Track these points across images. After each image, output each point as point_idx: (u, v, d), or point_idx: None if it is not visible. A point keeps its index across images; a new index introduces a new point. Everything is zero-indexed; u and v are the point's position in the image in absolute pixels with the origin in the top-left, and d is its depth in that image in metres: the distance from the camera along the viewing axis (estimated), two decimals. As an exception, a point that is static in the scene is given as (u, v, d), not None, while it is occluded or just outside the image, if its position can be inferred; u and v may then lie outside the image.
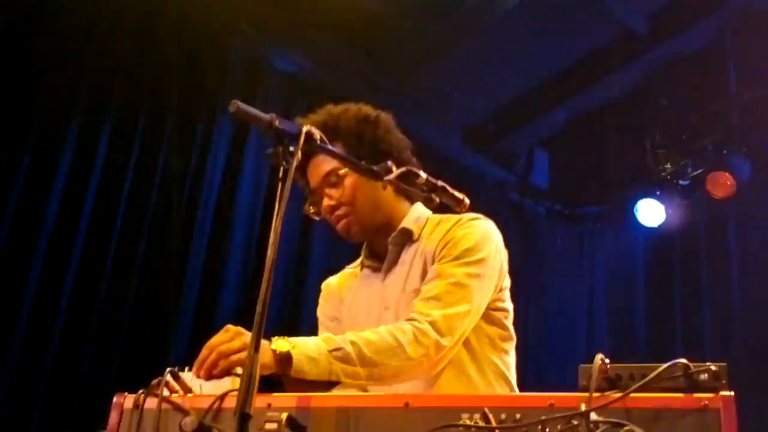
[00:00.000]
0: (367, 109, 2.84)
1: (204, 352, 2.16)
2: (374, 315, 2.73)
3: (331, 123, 2.70)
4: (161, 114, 6.23)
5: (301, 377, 2.20)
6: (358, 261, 2.94)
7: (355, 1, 6.39)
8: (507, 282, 2.77)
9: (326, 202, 2.73)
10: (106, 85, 6.00)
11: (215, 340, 2.18)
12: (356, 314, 2.81)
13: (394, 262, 2.78)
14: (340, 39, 6.83)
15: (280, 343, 2.20)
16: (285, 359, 2.17)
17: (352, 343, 2.32)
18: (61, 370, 5.42)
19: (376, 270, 2.82)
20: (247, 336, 2.16)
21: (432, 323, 2.45)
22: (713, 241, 7.85)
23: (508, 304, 2.78)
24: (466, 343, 2.62)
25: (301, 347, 2.22)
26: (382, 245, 2.80)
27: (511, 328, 2.77)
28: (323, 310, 2.95)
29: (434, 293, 2.54)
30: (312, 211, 2.79)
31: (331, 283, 2.99)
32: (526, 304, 8.17)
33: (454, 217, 2.70)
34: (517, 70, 7.30)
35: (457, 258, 2.60)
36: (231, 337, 2.18)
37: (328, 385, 2.27)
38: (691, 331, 7.65)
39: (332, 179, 2.71)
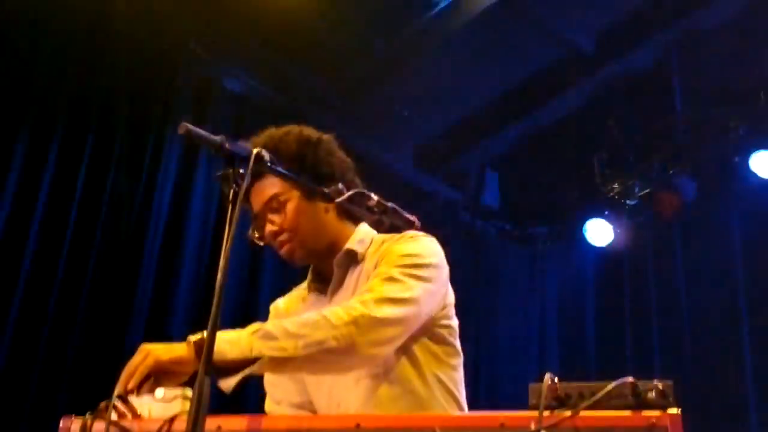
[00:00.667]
0: (308, 132, 2.80)
1: (120, 377, 2.16)
2: None
3: (272, 146, 2.63)
4: (110, 134, 6.17)
5: (223, 359, 2.13)
6: (306, 283, 2.92)
7: (306, 21, 6.40)
8: (451, 298, 2.75)
9: (269, 227, 2.70)
10: (53, 105, 5.93)
11: (127, 364, 2.18)
12: None
13: (340, 284, 2.75)
14: (290, 59, 6.84)
15: (196, 335, 2.17)
16: (202, 346, 2.06)
17: (274, 323, 2.29)
18: (8, 392, 5.33)
19: (322, 293, 2.80)
20: (150, 346, 2.18)
21: (361, 300, 2.41)
22: (661, 259, 7.94)
23: (454, 321, 2.75)
24: (412, 359, 2.61)
25: (219, 334, 2.14)
26: (327, 267, 2.77)
27: (458, 344, 2.75)
28: None
29: (370, 284, 2.52)
30: (256, 236, 2.75)
31: (279, 305, 2.94)
32: (477, 323, 8.20)
33: (397, 235, 2.70)
34: (466, 90, 7.34)
35: (399, 259, 2.59)
36: (137, 354, 2.17)
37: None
38: (641, 348, 7.72)
39: (274, 204, 2.68)
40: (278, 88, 6.83)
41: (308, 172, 2.67)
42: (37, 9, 5.85)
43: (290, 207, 2.66)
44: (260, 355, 2.19)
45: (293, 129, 2.79)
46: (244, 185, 2.00)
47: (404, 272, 2.53)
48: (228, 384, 2.16)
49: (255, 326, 2.27)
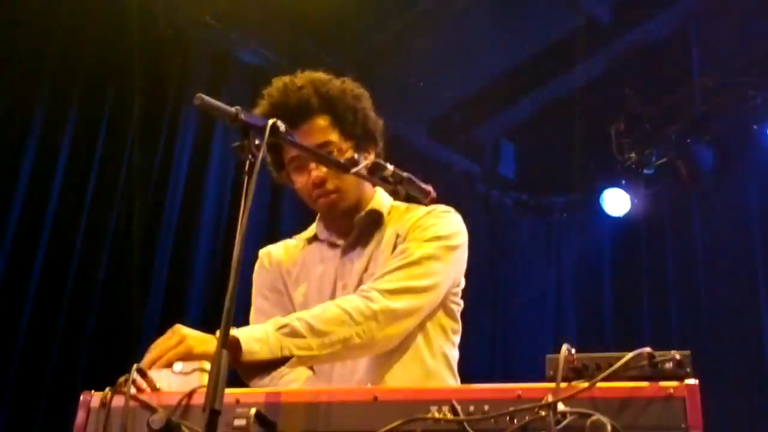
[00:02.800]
0: (350, 83, 2.80)
1: (147, 354, 2.15)
2: (327, 290, 2.71)
3: (325, 91, 2.68)
4: (126, 108, 6.18)
5: (253, 359, 2.17)
6: (304, 234, 2.91)
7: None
8: (463, 281, 2.77)
9: (315, 173, 2.65)
10: (68, 81, 5.95)
11: (157, 342, 2.17)
12: (306, 287, 2.77)
13: (357, 242, 2.76)
14: (303, 31, 6.81)
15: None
16: (233, 345, 2.12)
17: (298, 318, 2.30)
18: (27, 370, 5.37)
19: (333, 246, 2.80)
20: (184, 331, 2.16)
21: (381, 291, 2.43)
22: (678, 229, 7.91)
23: (461, 301, 2.78)
24: (423, 329, 2.63)
25: (246, 331, 2.20)
26: (345, 222, 2.77)
27: (460, 322, 2.78)
28: (262, 279, 2.87)
29: (392, 267, 2.53)
30: (291, 177, 2.75)
31: (272, 252, 2.92)
32: (494, 295, 8.21)
33: (426, 207, 2.69)
34: (482, 61, 7.31)
35: (427, 240, 2.60)
36: (170, 336, 2.16)
37: (279, 365, 2.23)
38: (658, 318, 7.71)
39: (326, 150, 2.62)
40: (293, 60, 6.80)
41: (360, 125, 2.71)
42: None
43: (345, 159, 2.57)
44: (290, 354, 2.22)
45: (345, 80, 2.79)
46: (260, 156, 1.99)
47: (431, 254, 2.55)
48: (260, 384, 2.19)
49: (279, 321, 2.28)
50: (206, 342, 2.14)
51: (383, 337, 2.42)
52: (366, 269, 2.69)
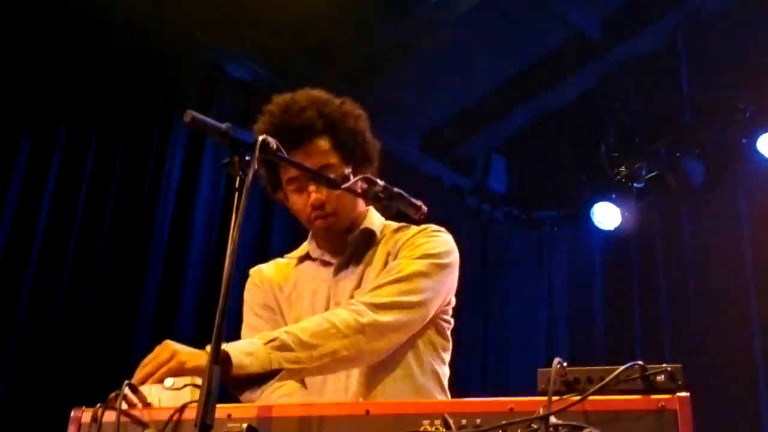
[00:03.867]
0: (350, 104, 2.80)
1: (138, 369, 2.15)
2: (320, 309, 2.70)
3: (328, 112, 2.69)
4: (116, 124, 6.18)
5: (243, 373, 2.17)
6: (295, 253, 2.91)
7: (309, 8, 6.37)
8: (453, 300, 2.78)
9: (315, 196, 2.66)
10: (59, 95, 5.94)
11: (148, 357, 2.17)
12: (300, 306, 2.77)
13: (349, 260, 2.77)
14: (294, 45, 6.82)
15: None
16: (224, 359, 2.12)
17: (287, 332, 2.31)
18: (18, 386, 5.35)
19: (325, 264, 2.81)
20: (175, 346, 2.17)
21: (368, 304, 2.44)
22: (669, 242, 7.92)
23: (451, 319, 2.79)
24: (413, 346, 2.64)
25: (235, 346, 2.21)
26: (338, 241, 2.78)
27: (450, 340, 2.79)
28: (254, 297, 2.86)
29: (382, 282, 2.55)
30: (288, 197, 2.76)
31: (263, 270, 2.92)
32: (485, 309, 8.22)
33: (418, 226, 2.72)
34: (472, 76, 7.32)
35: (417, 257, 2.61)
36: (160, 352, 2.16)
37: (269, 378, 2.24)
38: (650, 332, 7.71)
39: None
40: (283, 75, 6.82)
41: (359, 148, 2.72)
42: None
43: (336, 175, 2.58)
44: (279, 367, 2.23)
45: (336, 98, 2.78)
46: (250, 173, 2.00)
47: (421, 271, 2.57)
48: (251, 398, 2.20)
49: (268, 335, 2.29)
50: (197, 357, 2.15)
51: (370, 350, 2.44)
52: (358, 287, 2.69)
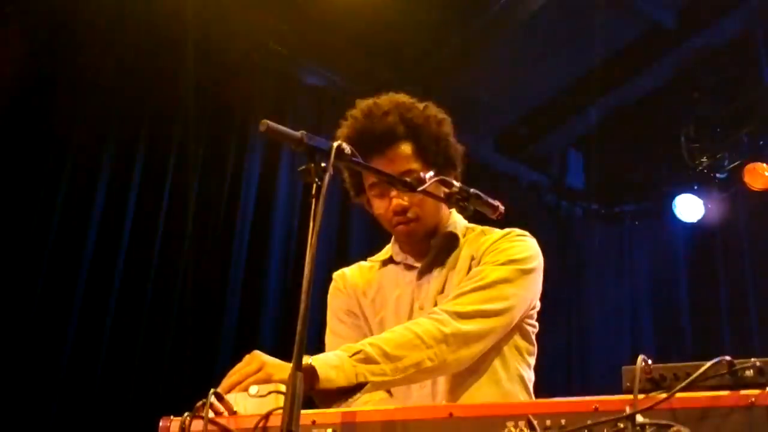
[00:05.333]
0: (433, 109, 2.79)
1: (225, 379, 2.17)
2: (404, 313, 2.70)
3: (409, 118, 2.69)
4: (193, 137, 6.27)
5: (329, 386, 2.16)
6: (378, 256, 2.91)
7: (379, 14, 6.40)
8: (538, 304, 2.75)
9: (397, 201, 2.67)
10: (137, 113, 6.06)
11: (236, 367, 2.19)
12: (383, 310, 2.77)
13: (433, 264, 2.76)
14: (366, 51, 6.86)
15: (305, 359, 2.19)
16: (309, 372, 2.12)
17: (371, 344, 2.30)
18: (106, 395, 5.47)
19: (409, 268, 2.81)
20: (264, 358, 2.17)
21: (451, 313, 2.42)
22: (755, 233, 7.76)
23: (536, 323, 2.76)
24: (499, 351, 2.62)
25: (321, 359, 2.20)
26: (421, 244, 2.77)
27: (536, 344, 2.76)
28: (338, 302, 2.87)
29: (465, 289, 2.52)
30: (371, 202, 2.77)
31: (347, 274, 2.92)
32: (567, 307, 8.13)
33: (501, 231, 2.71)
34: (546, 72, 7.28)
35: (501, 263, 2.59)
36: (249, 362, 2.18)
37: (354, 391, 2.23)
38: (739, 326, 7.56)
39: (408, 179, 2.50)
40: (356, 81, 6.85)
41: (442, 153, 2.71)
42: (111, 19, 5.97)
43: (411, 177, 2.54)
44: (365, 381, 2.22)
45: (419, 103, 2.78)
46: (326, 179, 2.00)
47: (505, 278, 2.55)
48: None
49: (352, 348, 2.28)
50: (285, 369, 2.13)
51: (454, 360, 2.42)
52: (442, 291, 2.68)
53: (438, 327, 2.38)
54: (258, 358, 2.18)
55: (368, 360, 2.26)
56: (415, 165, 2.66)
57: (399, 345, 2.32)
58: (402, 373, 2.30)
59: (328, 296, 2.92)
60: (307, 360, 2.13)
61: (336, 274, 2.95)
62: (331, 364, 2.20)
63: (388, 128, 2.66)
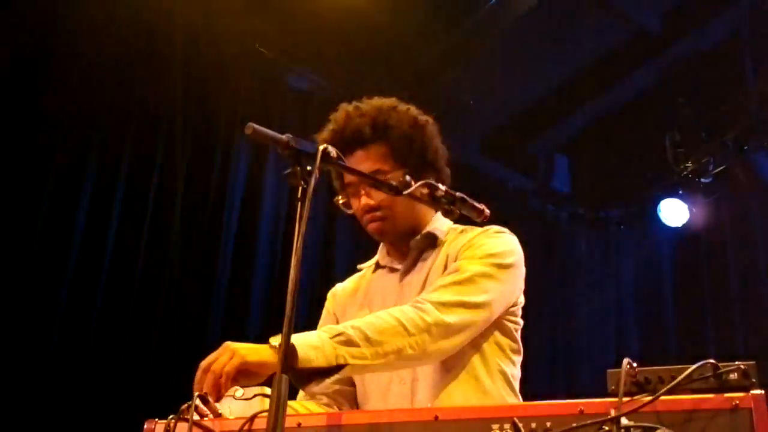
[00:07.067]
0: (414, 111, 2.84)
1: (198, 374, 2.16)
2: None
3: (381, 120, 2.73)
4: (178, 140, 6.26)
5: (308, 366, 2.15)
6: (372, 261, 2.96)
7: (366, 16, 6.40)
8: (522, 300, 2.77)
9: (365, 200, 2.73)
10: (123, 116, 6.04)
11: (207, 360, 2.17)
12: (369, 311, 2.76)
13: (413, 264, 2.79)
14: (352, 54, 6.85)
15: (278, 338, 2.17)
16: (289, 351, 2.10)
17: (353, 327, 2.30)
18: (91, 397, 5.44)
19: (393, 271, 2.84)
20: (234, 345, 2.16)
21: (435, 303, 2.43)
22: (739, 237, 7.79)
23: (520, 320, 2.78)
24: (478, 348, 2.63)
25: (301, 338, 2.19)
26: (402, 247, 2.82)
27: (520, 342, 2.77)
28: (327, 324, 2.85)
29: (445, 282, 2.54)
30: (341, 201, 2.82)
31: (338, 293, 2.99)
32: (553, 311, 8.14)
33: (481, 228, 2.71)
34: (532, 76, 7.29)
35: (479, 258, 2.61)
36: (221, 353, 2.16)
37: (332, 373, 2.22)
38: (722, 330, 7.58)
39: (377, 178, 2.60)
40: (342, 84, 6.85)
41: (415, 156, 2.74)
42: (98, 22, 5.94)
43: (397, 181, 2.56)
44: (345, 363, 2.22)
45: (402, 106, 2.83)
46: (312, 182, 2.01)
47: (483, 272, 2.55)
48: (313, 390, 2.19)
49: (334, 329, 2.28)
50: (258, 351, 2.15)
51: (435, 350, 2.42)
52: (422, 291, 2.69)
53: (421, 315, 2.39)
54: (229, 346, 2.18)
55: (349, 342, 2.25)
56: (385, 166, 2.71)
57: (381, 330, 2.32)
58: (382, 358, 2.29)
59: (323, 311, 2.99)
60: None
61: (329, 293, 3.01)
62: (311, 344, 2.19)
63: (357, 130, 2.72)
